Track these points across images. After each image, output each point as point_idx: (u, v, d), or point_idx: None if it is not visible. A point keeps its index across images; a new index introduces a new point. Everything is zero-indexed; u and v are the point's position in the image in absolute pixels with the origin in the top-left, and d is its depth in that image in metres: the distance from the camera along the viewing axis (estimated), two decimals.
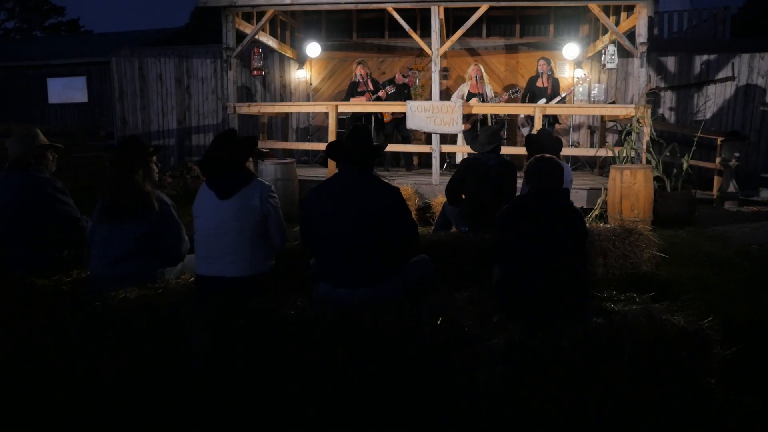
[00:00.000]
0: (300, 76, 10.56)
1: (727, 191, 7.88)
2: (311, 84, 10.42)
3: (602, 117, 8.61)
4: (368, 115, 8.24)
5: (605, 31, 8.05)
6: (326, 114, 10.32)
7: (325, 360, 2.50)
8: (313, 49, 9.73)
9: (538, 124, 6.56)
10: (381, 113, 8.43)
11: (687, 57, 9.40)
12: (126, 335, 2.71)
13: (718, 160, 7.96)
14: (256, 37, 7.95)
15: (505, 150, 6.68)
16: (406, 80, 8.50)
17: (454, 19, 8.98)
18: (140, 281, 2.94)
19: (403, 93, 8.37)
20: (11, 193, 3.16)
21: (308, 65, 10.50)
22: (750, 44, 9.57)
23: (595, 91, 9.16)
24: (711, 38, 11.27)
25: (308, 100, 10.51)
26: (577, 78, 8.92)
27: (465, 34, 6.99)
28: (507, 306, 2.61)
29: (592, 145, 9.50)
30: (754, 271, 4.62)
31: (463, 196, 4.43)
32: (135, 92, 11.30)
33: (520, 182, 4.70)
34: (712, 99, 9.42)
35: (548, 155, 2.64)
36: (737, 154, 7.83)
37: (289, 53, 10.08)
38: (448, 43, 6.94)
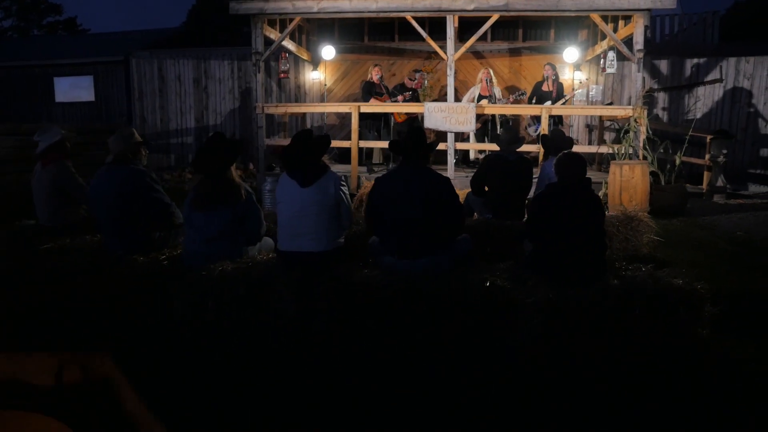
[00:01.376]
0: (314, 77, 11.13)
1: (715, 185, 8.54)
2: (325, 85, 10.99)
3: (600, 116, 9.24)
4: (382, 115, 8.81)
5: (603, 36, 8.68)
6: (336, 114, 11.01)
7: (393, 316, 3.11)
8: (328, 51, 10.29)
9: (545, 124, 7.18)
10: (393, 114, 9.02)
11: (678, 60, 10.07)
12: (226, 300, 3.29)
13: (707, 156, 8.61)
14: (274, 39, 8.50)
15: None
16: (414, 83, 9.07)
17: (460, 24, 9.58)
18: (229, 258, 3.51)
19: (413, 96, 8.96)
20: (115, 184, 3.72)
21: (322, 67, 11.06)
22: (737, 49, 10.24)
23: (593, 93, 9.81)
24: (700, 41, 11.96)
25: (322, 100, 11.09)
26: (579, 81, 9.55)
27: (469, 37, 7.56)
28: (539, 273, 3.22)
29: (590, 143, 10.14)
30: (739, 254, 5.27)
31: (486, 188, 5.03)
32: (154, 92, 11.80)
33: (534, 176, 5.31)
34: (702, 100, 10.09)
35: (574, 152, 3.25)
36: (725, 151, 8.50)
37: (304, 56, 10.64)
38: (462, 49, 7.54)
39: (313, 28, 10.98)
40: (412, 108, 8.21)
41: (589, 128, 10.39)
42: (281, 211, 3.43)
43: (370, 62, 11.13)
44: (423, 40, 10.68)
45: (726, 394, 2.71)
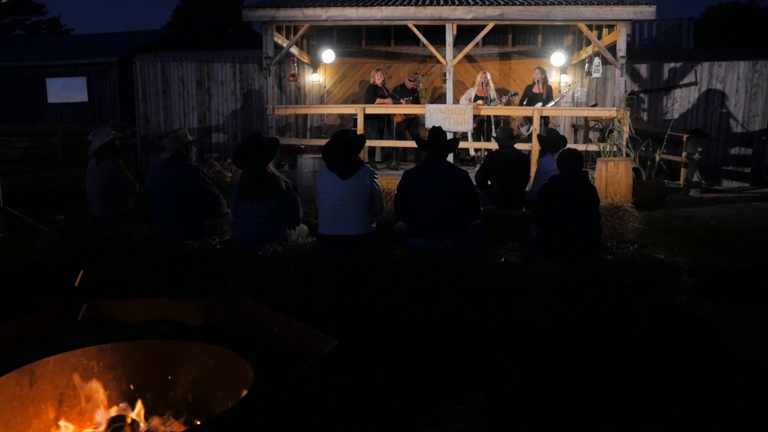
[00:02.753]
0: (314, 79, 11.65)
1: (691, 181, 9.27)
2: (325, 87, 11.51)
3: (586, 117, 9.91)
4: (385, 116, 9.37)
5: (588, 42, 9.35)
6: (338, 115, 11.55)
7: (423, 286, 3.68)
8: (328, 55, 10.82)
9: (536, 124, 7.80)
10: (393, 114, 9.59)
11: (657, 64, 10.80)
12: (278, 275, 3.83)
13: (684, 154, 9.33)
14: (281, 44, 9.01)
15: None
16: (414, 83, 9.67)
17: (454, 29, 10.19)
18: (275, 241, 4.05)
19: (413, 96, 9.56)
20: (173, 178, 4.22)
21: (321, 70, 11.58)
22: (710, 54, 10.99)
23: (578, 95, 10.49)
24: (677, 45, 12.73)
25: (321, 102, 11.63)
26: (569, 85, 10.21)
27: (463, 42, 8.16)
28: (544, 251, 3.81)
29: (575, 142, 10.81)
30: (712, 240, 5.93)
31: (489, 182, 5.62)
32: (158, 93, 12.21)
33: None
34: (679, 101, 10.83)
35: (574, 149, 3.85)
36: (700, 149, 9.23)
37: (305, 59, 11.16)
38: (460, 55, 8.13)
39: (313, 33, 11.50)
40: (413, 109, 8.78)
41: (575, 128, 11.07)
42: (323, 201, 3.98)
43: (367, 65, 11.71)
44: (418, 44, 11.33)
45: (699, 346, 3.32)
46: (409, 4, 7.89)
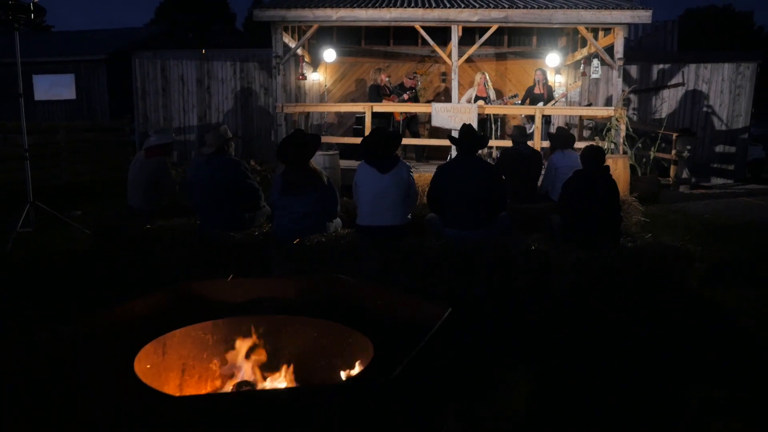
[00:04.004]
0: (314, 78, 11.84)
1: (681, 177, 9.71)
2: (326, 85, 11.73)
3: (581, 116, 10.29)
4: (390, 114, 9.62)
5: (583, 44, 9.71)
6: (335, 114, 11.78)
7: (459, 274, 3.96)
8: (330, 54, 11.03)
9: (538, 123, 8.14)
10: (393, 112, 9.86)
11: (646, 66, 11.24)
12: (321, 264, 4.07)
13: (673, 152, 9.76)
14: (288, 42, 9.20)
15: (501, 143, 8.30)
16: (412, 82, 9.93)
17: (449, 31, 10.46)
18: (315, 232, 4.29)
19: (414, 95, 9.83)
20: (217, 171, 4.42)
21: (321, 68, 11.79)
22: (696, 56, 11.47)
23: (572, 94, 10.88)
24: (661, 47, 13.21)
25: (321, 100, 11.84)
26: (568, 84, 10.60)
27: (463, 43, 8.42)
28: (568, 239, 4.12)
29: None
30: (708, 231, 6.32)
31: (503, 177, 5.91)
32: (157, 91, 12.28)
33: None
34: (667, 101, 11.29)
35: (597, 145, 4.16)
36: (689, 147, 9.66)
37: (306, 57, 11.34)
38: (465, 56, 8.42)
39: (314, 32, 11.67)
40: (420, 108, 9.06)
41: (568, 126, 11.44)
42: (362, 194, 4.23)
43: (366, 64, 11.95)
44: (416, 44, 11.62)
45: (710, 323, 3.65)
46: (415, 5, 8.15)
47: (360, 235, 4.24)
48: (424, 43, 11.40)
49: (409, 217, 4.34)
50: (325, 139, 10.40)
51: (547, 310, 3.81)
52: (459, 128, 8.42)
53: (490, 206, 4.20)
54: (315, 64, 11.72)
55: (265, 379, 2.14)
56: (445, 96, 11.78)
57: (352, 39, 11.87)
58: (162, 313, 2.27)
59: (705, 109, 11.31)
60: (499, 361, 3.03)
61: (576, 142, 7.37)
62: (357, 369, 1.90)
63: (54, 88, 18.92)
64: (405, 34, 11.54)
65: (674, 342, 3.35)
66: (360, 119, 10.19)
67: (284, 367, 2.09)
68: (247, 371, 2.13)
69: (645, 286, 3.97)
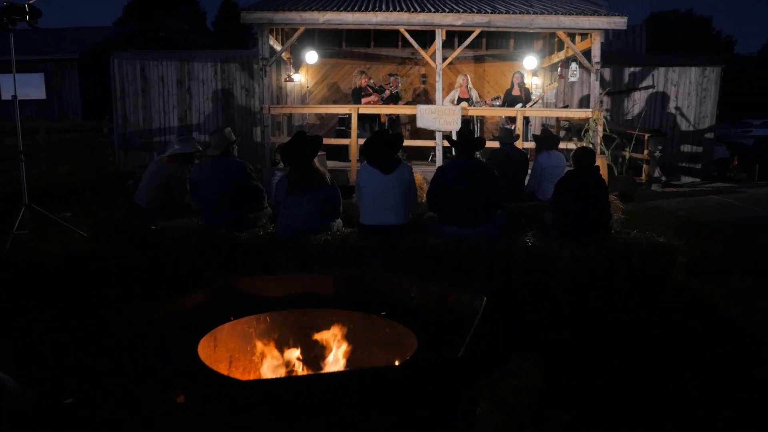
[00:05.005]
0: (295, 79, 11.92)
1: (653, 176, 10.14)
2: (307, 87, 11.83)
3: (557, 117, 10.64)
4: (372, 116, 9.78)
5: (561, 47, 10.05)
6: (315, 115, 11.90)
7: (460, 269, 4.16)
8: (311, 56, 11.14)
9: (519, 124, 8.42)
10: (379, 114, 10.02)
11: (618, 69, 11.67)
12: (328, 261, 4.22)
13: (645, 152, 10.19)
14: (273, 45, 9.28)
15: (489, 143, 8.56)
16: (393, 82, 10.10)
17: (430, 34, 10.69)
18: (320, 231, 4.43)
19: (391, 96, 10.00)
20: (223, 173, 4.52)
21: (303, 70, 11.88)
22: (665, 60, 11.96)
23: (548, 96, 11.23)
24: (630, 51, 13.70)
25: (303, 101, 11.94)
26: (545, 86, 10.92)
27: (444, 46, 8.64)
28: (561, 236, 4.35)
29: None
30: (684, 227, 6.67)
31: None
32: (137, 92, 12.19)
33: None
34: (638, 103, 11.75)
35: (587, 147, 4.41)
36: (660, 147, 10.10)
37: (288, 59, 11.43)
38: (449, 59, 8.65)
39: (293, 34, 11.76)
40: (405, 110, 9.26)
41: (544, 127, 11.80)
42: (366, 194, 4.39)
43: (348, 66, 12.10)
44: (397, 46, 11.81)
45: (695, 312, 3.94)
46: (401, 9, 8.34)
47: (363, 234, 4.40)
48: (405, 45, 11.65)
49: (410, 216, 4.51)
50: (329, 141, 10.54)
51: (546, 304, 4.04)
52: (443, 129, 8.66)
53: (490, 204, 4.41)
54: (296, 65, 11.80)
55: (308, 370, 2.29)
56: (424, 97, 12.02)
57: (333, 41, 12.00)
58: (211, 307, 2.40)
59: (673, 110, 11.80)
60: (507, 350, 3.23)
61: (564, 144, 7.69)
62: (401, 357, 2.07)
63: (22, 88, 18.40)
64: (386, 36, 11.71)
65: (665, 329, 3.61)
66: (343, 120, 10.33)
67: (328, 358, 2.24)
68: (290, 363, 2.28)
69: (634, 278, 4.23)
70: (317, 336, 2.31)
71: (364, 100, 9.41)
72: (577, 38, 9.30)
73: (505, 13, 8.07)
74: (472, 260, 4.14)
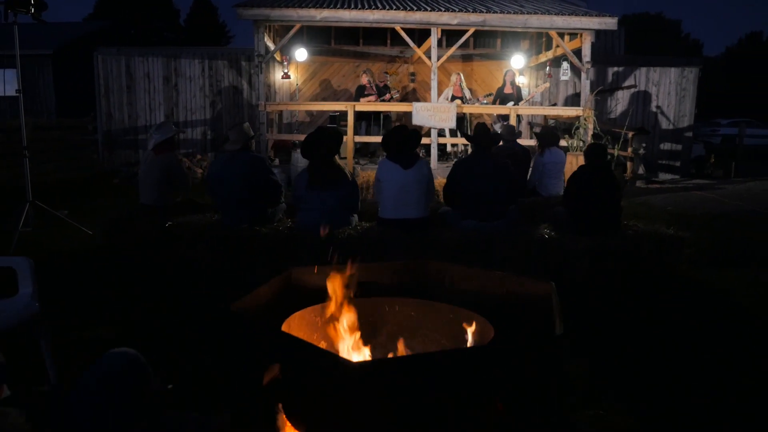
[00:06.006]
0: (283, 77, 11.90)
1: (638, 173, 10.44)
2: (297, 84, 11.82)
3: (545, 115, 10.87)
4: (370, 113, 9.86)
5: (548, 46, 10.29)
6: (306, 112, 11.91)
7: (478, 261, 4.27)
8: (301, 54, 11.14)
9: (512, 120, 8.61)
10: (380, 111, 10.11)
11: (602, 68, 11.97)
12: (351, 254, 4.27)
13: (630, 149, 10.48)
14: (268, 43, 9.27)
15: None
16: (383, 81, 10.21)
17: (419, 33, 10.81)
18: (340, 226, 4.49)
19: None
20: (242, 168, 4.54)
21: (292, 67, 11.86)
22: (647, 60, 12.32)
23: (537, 94, 11.46)
24: (610, 51, 14.06)
25: (292, 99, 11.92)
26: (537, 85, 11.15)
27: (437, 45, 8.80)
28: (573, 229, 4.51)
29: (531, 137, 11.79)
30: (676, 221, 6.90)
31: None
32: (121, 89, 12.00)
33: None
34: (621, 102, 12.08)
35: (600, 143, 4.58)
36: (644, 145, 10.41)
37: (277, 57, 11.40)
38: (444, 57, 8.78)
39: (284, 31, 11.75)
40: (401, 107, 9.35)
41: (531, 125, 12.04)
42: (385, 188, 4.47)
43: (337, 64, 12.15)
44: (386, 44, 11.90)
45: (698, 298, 4.14)
46: (397, 8, 8.43)
47: (383, 228, 4.48)
48: (393, 43, 11.76)
49: (428, 210, 4.61)
50: (298, 137, 10.55)
51: (565, 289, 4.17)
52: (438, 126, 8.79)
53: (506, 199, 4.53)
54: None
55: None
56: (413, 95, 12.13)
57: (322, 38, 12.02)
58: (279, 298, 2.46)
59: (654, 109, 12.17)
60: None
61: (558, 141, 7.84)
62: (471, 340, 2.16)
63: None
64: (375, 35, 11.79)
65: (675, 314, 3.80)
66: (334, 118, 10.37)
67: (398, 343, 2.32)
68: (357, 348, 2.35)
69: (644, 269, 4.41)
70: (376, 323, 2.39)
71: (363, 99, 9.48)
72: (566, 38, 9.54)
73: (500, 13, 8.23)
74: (491, 253, 4.26)
